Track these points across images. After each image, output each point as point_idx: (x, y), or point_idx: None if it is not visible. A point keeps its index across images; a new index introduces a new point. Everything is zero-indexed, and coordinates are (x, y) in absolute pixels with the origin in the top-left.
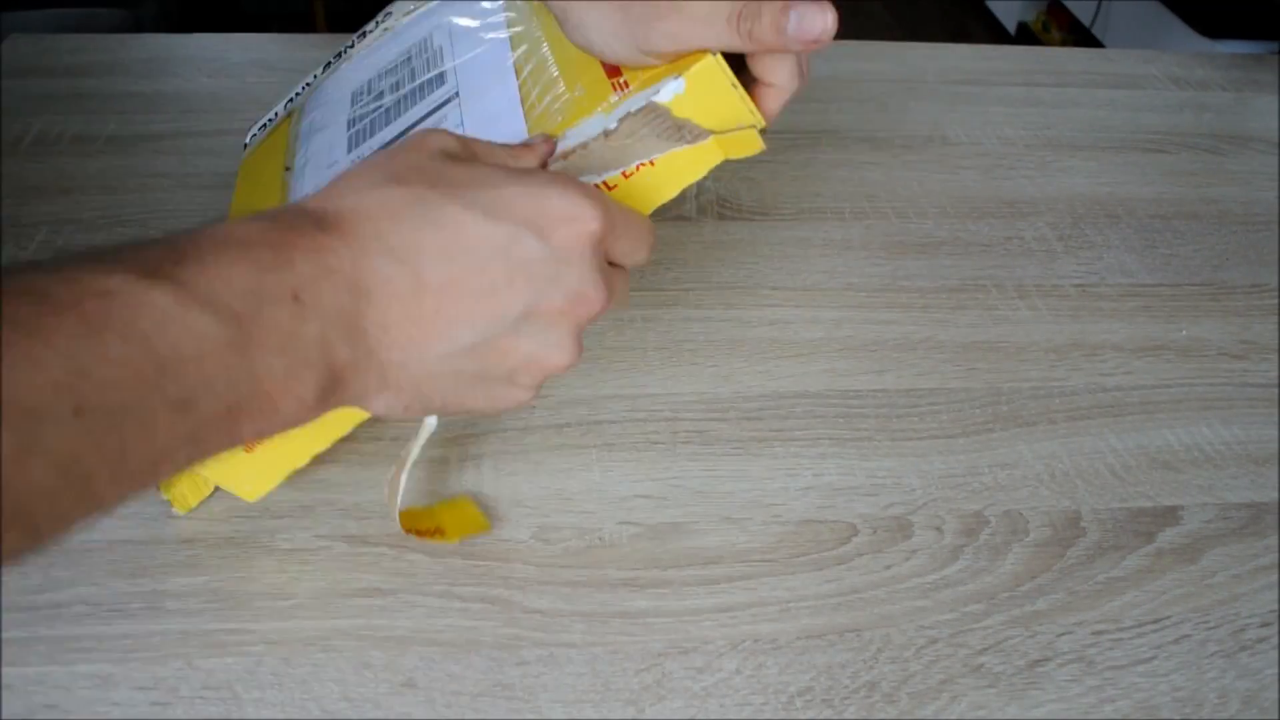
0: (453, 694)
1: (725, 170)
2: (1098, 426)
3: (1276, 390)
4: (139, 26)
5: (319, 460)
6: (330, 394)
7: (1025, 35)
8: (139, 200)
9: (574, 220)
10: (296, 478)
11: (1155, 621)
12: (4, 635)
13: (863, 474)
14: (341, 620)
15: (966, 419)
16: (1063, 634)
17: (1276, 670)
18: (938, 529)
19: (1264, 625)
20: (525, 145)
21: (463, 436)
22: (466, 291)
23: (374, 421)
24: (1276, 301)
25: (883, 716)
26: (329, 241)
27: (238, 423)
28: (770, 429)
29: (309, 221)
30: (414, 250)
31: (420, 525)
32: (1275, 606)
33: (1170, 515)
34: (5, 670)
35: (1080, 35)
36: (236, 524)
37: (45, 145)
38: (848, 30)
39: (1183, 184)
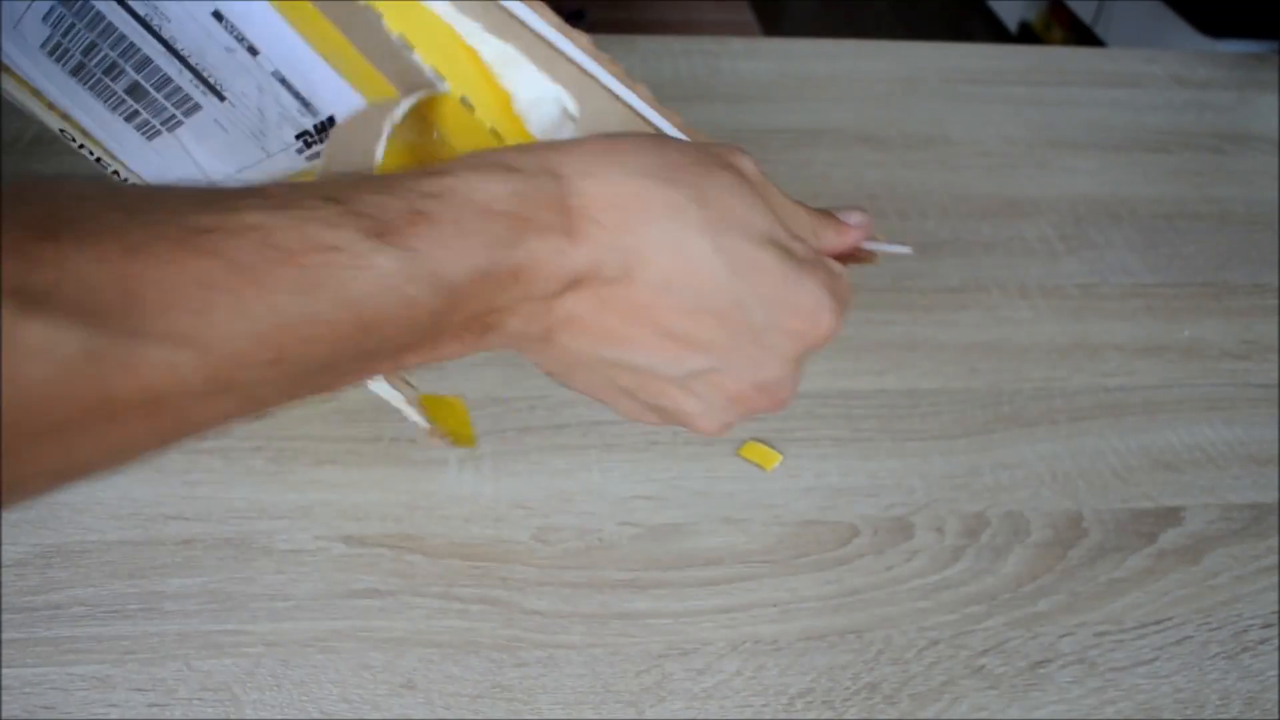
0: (451, 695)
1: None
2: (1099, 427)
3: (1278, 390)
4: None
5: (317, 461)
6: (490, 343)
7: (1027, 34)
8: None
9: (811, 319)
10: (293, 479)
11: (1157, 623)
12: (2, 636)
13: (864, 475)
14: (340, 621)
15: (968, 420)
16: (1064, 635)
17: (1278, 671)
18: (939, 530)
19: (1266, 626)
20: (829, 217)
21: None
22: (663, 325)
23: (373, 421)
24: (1278, 301)
25: (883, 718)
26: (569, 232)
27: (402, 359)
28: (771, 429)
29: (554, 199)
30: (640, 259)
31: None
32: (1277, 607)
33: (1172, 516)
34: (4, 671)
35: (1082, 34)
36: (235, 525)
37: (44, 144)
38: (849, 29)
39: (1185, 184)
